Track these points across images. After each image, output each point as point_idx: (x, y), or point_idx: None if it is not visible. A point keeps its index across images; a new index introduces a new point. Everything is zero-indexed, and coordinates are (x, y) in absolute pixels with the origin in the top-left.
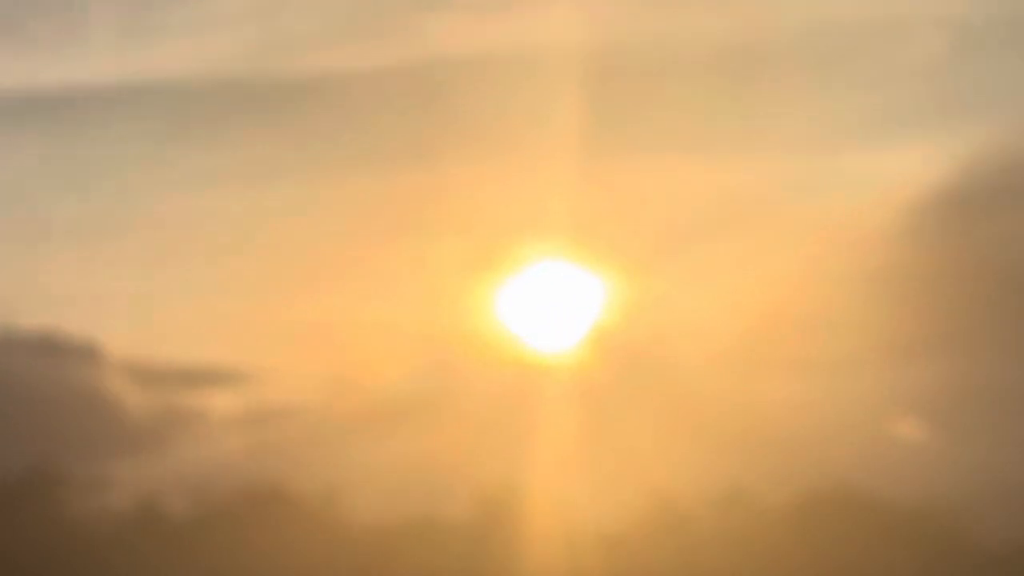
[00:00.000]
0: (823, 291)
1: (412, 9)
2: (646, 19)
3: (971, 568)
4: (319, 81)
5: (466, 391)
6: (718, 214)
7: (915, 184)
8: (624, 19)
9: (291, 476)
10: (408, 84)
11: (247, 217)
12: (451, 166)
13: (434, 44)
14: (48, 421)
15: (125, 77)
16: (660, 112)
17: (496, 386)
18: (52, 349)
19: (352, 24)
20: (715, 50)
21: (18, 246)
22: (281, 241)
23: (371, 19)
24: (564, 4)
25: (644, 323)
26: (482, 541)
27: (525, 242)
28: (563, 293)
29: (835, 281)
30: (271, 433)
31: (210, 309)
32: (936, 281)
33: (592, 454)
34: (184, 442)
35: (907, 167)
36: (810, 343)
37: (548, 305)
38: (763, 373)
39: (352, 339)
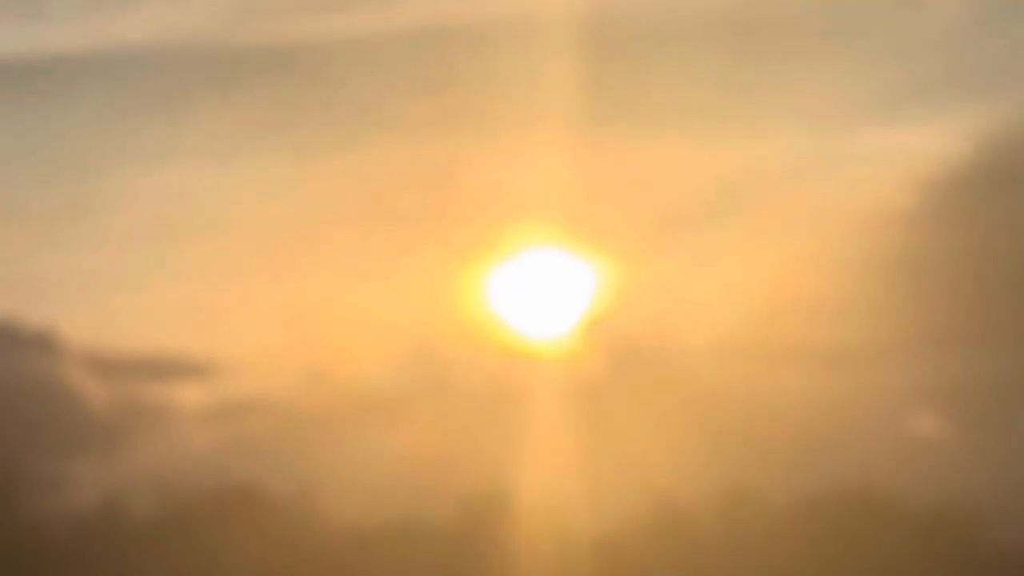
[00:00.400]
0: (834, 278)
1: None
2: None
3: (986, 568)
4: (296, 52)
5: (452, 383)
6: (721, 196)
7: (933, 163)
8: None
9: (264, 474)
10: (391, 56)
11: (218, 196)
12: (437, 144)
13: (420, 14)
14: (2, 415)
15: (86, 47)
16: (661, 88)
17: (484, 378)
18: (6, 338)
19: None
20: (720, 22)
21: None
22: (254, 222)
23: None
24: None
25: (642, 311)
26: (468, 543)
27: (516, 225)
28: (556, 280)
29: (847, 267)
30: (243, 428)
31: (177, 295)
32: (956, 267)
33: (586, 450)
34: (150, 438)
35: (924, 144)
36: (819, 333)
37: (540, 292)
38: (769, 365)
39: (330, 328)
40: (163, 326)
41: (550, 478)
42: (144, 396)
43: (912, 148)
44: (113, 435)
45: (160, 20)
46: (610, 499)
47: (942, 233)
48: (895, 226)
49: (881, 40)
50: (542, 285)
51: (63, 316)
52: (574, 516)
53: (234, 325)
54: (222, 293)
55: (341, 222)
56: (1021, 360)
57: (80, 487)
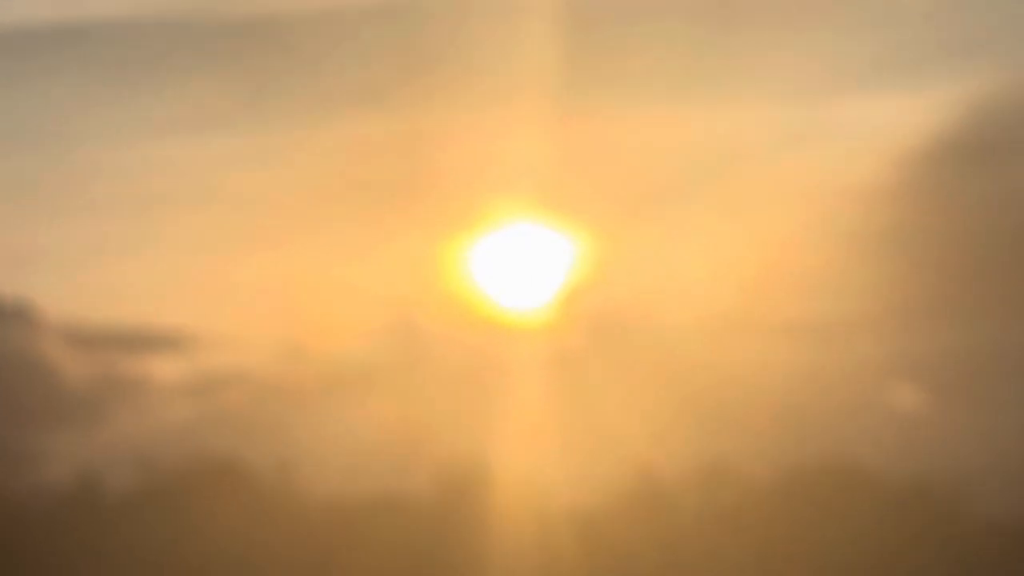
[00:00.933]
0: (815, 250)
1: None
2: None
3: (969, 543)
4: (274, 24)
5: (431, 357)
6: (701, 168)
7: (916, 134)
8: None
9: (243, 448)
10: (369, 29)
11: (194, 169)
12: (415, 116)
13: None
14: None
15: (61, 18)
16: (640, 60)
17: (463, 351)
18: None
19: None
20: None
21: None
22: (231, 195)
23: None
24: None
25: (622, 285)
26: (447, 518)
27: (495, 198)
28: (535, 253)
29: (828, 239)
30: (220, 402)
31: (154, 268)
32: (938, 239)
33: (566, 425)
34: (126, 412)
35: (906, 116)
36: (801, 307)
37: (519, 266)
38: (749, 338)
39: (308, 301)
40: (140, 299)
41: (529, 452)
42: (121, 369)
43: (894, 119)
44: (90, 408)
45: None
46: (589, 473)
47: (924, 205)
48: (877, 198)
49: (863, 9)
50: (521, 258)
51: (39, 289)
52: (553, 490)
53: (212, 298)
54: (200, 266)
55: (319, 196)
56: (1003, 333)
57: (56, 461)
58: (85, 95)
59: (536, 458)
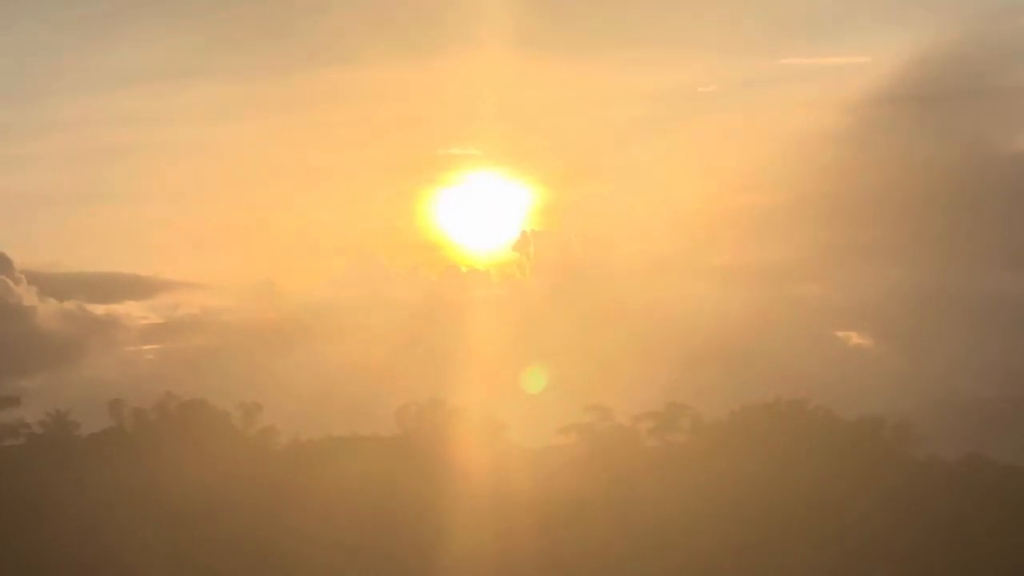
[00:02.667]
0: (765, 196)
1: None
2: None
3: (915, 480)
4: None
5: (393, 300)
6: (654, 116)
7: (860, 84)
8: None
9: (210, 389)
10: None
11: (161, 118)
12: (379, 66)
13: None
14: None
15: None
16: (597, 9)
17: (424, 294)
18: None
19: None
20: None
21: None
22: (198, 143)
23: None
24: None
25: (578, 228)
26: (408, 458)
27: (455, 145)
28: (494, 197)
29: (778, 184)
30: (189, 345)
31: (122, 216)
32: (884, 185)
33: (524, 366)
34: (97, 355)
35: (852, 65)
36: (752, 250)
37: (478, 210)
38: (702, 281)
39: (273, 246)
40: (109, 246)
41: (488, 393)
42: (92, 314)
43: (839, 70)
44: (61, 352)
45: None
46: (547, 413)
47: (870, 152)
48: (824, 145)
49: None
50: (480, 203)
51: (8, 237)
52: (512, 428)
53: (180, 244)
54: (167, 213)
55: (284, 143)
56: (947, 276)
57: (30, 402)
58: (56, 46)
59: (494, 398)
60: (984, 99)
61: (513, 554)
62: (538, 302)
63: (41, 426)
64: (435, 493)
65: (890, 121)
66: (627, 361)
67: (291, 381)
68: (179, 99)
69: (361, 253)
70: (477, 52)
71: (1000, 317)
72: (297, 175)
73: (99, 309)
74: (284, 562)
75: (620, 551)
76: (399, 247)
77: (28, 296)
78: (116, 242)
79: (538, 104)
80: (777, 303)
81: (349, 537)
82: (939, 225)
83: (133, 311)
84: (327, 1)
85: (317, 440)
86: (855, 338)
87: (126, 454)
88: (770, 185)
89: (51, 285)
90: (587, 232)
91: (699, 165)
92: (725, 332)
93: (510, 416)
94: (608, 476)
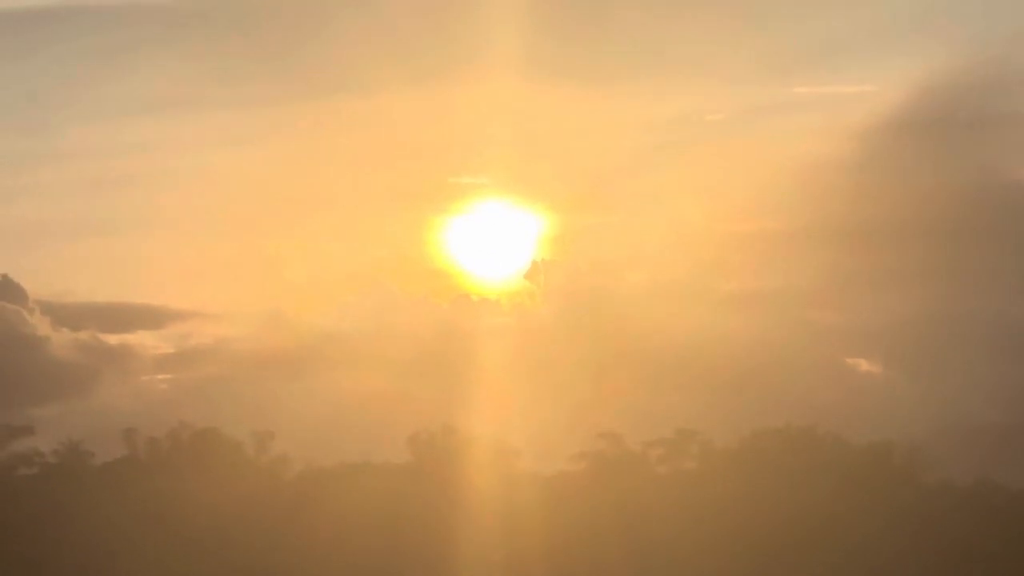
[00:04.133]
0: (775, 222)
1: None
2: None
3: (925, 506)
4: (250, 4)
5: (403, 328)
6: (665, 142)
7: (869, 111)
8: None
9: (222, 418)
10: (344, 6)
11: (172, 146)
12: (388, 94)
13: None
14: None
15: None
16: (605, 38)
17: (434, 322)
18: None
19: None
20: None
21: None
22: (209, 171)
23: None
24: None
25: (587, 257)
26: (419, 484)
27: (465, 173)
28: (504, 226)
29: (786, 211)
30: (201, 374)
31: (134, 244)
32: (893, 211)
33: (534, 393)
34: (111, 384)
35: (860, 94)
36: (762, 276)
37: (488, 238)
38: (711, 308)
39: (284, 274)
40: (122, 275)
41: (499, 419)
42: (105, 344)
43: (848, 97)
44: (75, 381)
45: None
46: (557, 439)
47: (878, 179)
48: (832, 173)
49: None
50: (491, 231)
51: (23, 267)
52: (522, 456)
53: (191, 274)
54: (178, 241)
55: (293, 171)
56: (956, 302)
57: (44, 431)
58: (68, 76)
59: (505, 425)
60: (993, 126)
61: None
62: (549, 330)
63: (55, 455)
64: (447, 519)
65: (898, 148)
66: (638, 388)
67: (303, 409)
68: (189, 127)
69: (371, 281)
70: (486, 81)
71: (1010, 342)
72: (307, 203)
73: (112, 339)
74: None
75: None
76: (410, 275)
77: (42, 326)
78: (128, 271)
79: (548, 132)
80: (786, 329)
81: (362, 564)
82: (948, 251)
83: (145, 340)
84: (336, 29)
85: (329, 468)
86: (865, 364)
87: (140, 483)
88: (779, 212)
89: (64, 315)
90: (598, 260)
91: (708, 192)
92: (735, 358)
93: (521, 443)
94: (619, 502)
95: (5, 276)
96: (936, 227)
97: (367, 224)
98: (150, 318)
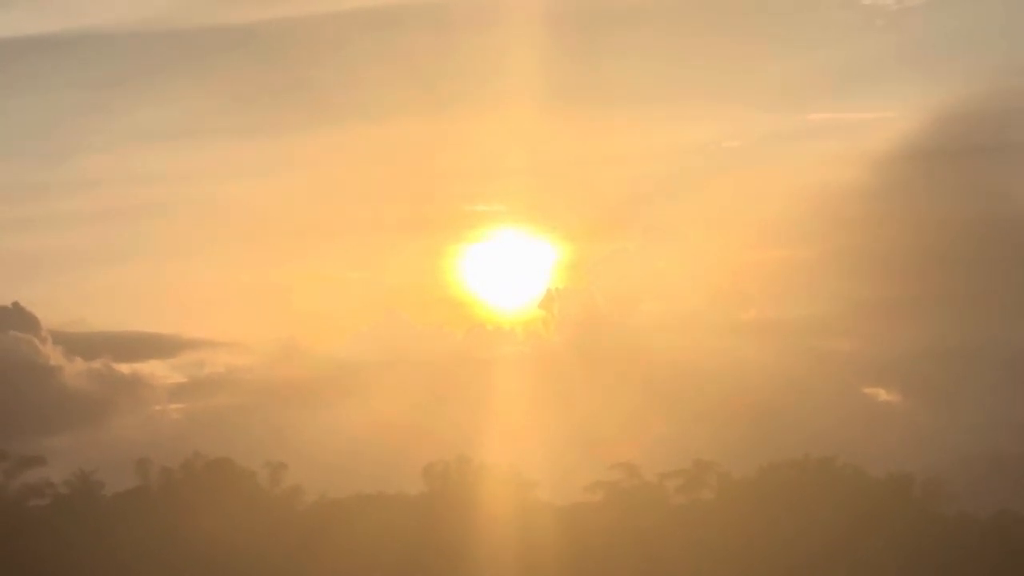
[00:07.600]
0: (792, 250)
1: None
2: None
3: (946, 537)
4: (264, 33)
5: (418, 357)
6: (679, 173)
7: (884, 140)
8: None
9: (236, 448)
10: (359, 34)
11: (185, 176)
12: (403, 122)
13: None
14: None
15: (55, 30)
16: (621, 70)
17: (449, 351)
18: None
19: None
20: (678, 6)
21: None
22: (221, 200)
23: None
24: None
25: (603, 286)
26: (434, 515)
27: (480, 201)
28: (519, 254)
29: (804, 240)
30: (214, 403)
31: (146, 273)
32: (910, 240)
33: (550, 424)
34: (123, 414)
35: (875, 122)
36: (779, 305)
37: (503, 267)
38: (728, 338)
39: (297, 303)
40: (135, 305)
41: (515, 450)
42: (117, 374)
43: (864, 126)
44: (88, 411)
45: (129, 2)
46: (573, 468)
47: (896, 206)
48: (851, 200)
49: (834, 22)
50: (505, 260)
51: (37, 296)
52: (538, 488)
53: (204, 303)
54: (190, 270)
55: (307, 199)
56: (974, 333)
57: (56, 462)
58: (82, 105)
59: (521, 456)
60: (1011, 154)
61: None
62: (564, 359)
63: (66, 486)
64: (462, 551)
65: (916, 176)
66: (654, 418)
67: (317, 440)
68: (202, 157)
69: (386, 310)
70: (501, 108)
71: None
72: (321, 231)
73: (125, 368)
74: None
75: None
76: (424, 304)
77: (54, 355)
78: (141, 300)
79: (563, 160)
80: (804, 359)
81: None
82: (967, 280)
83: (158, 370)
84: (350, 57)
85: (344, 499)
86: (883, 394)
87: (152, 513)
88: (796, 240)
89: (77, 344)
90: (613, 289)
91: (724, 220)
92: (752, 389)
93: (537, 473)
94: (635, 533)
95: (17, 305)
96: (955, 255)
97: (381, 253)
98: (163, 347)
